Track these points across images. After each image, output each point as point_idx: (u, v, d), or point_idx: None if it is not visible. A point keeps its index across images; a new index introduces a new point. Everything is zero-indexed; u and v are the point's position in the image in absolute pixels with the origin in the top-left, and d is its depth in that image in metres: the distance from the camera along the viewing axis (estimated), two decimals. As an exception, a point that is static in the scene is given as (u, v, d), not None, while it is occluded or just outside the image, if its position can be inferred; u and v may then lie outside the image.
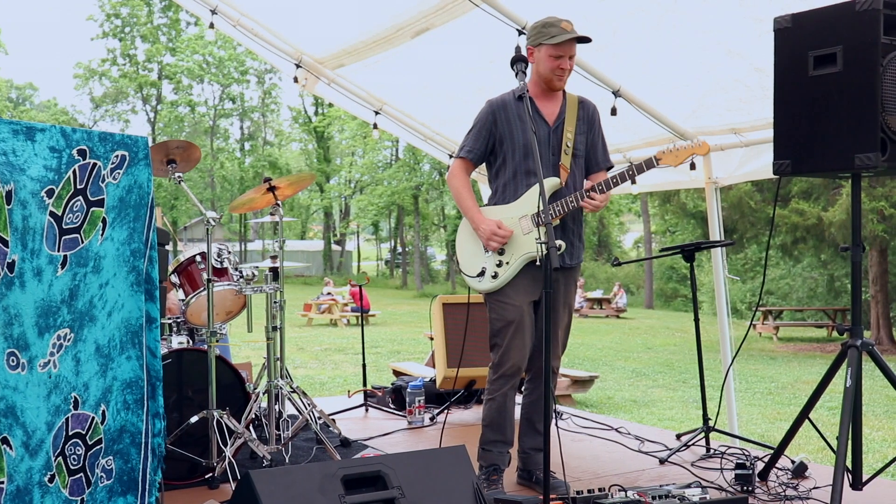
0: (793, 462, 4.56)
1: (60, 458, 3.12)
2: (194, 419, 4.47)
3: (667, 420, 10.04)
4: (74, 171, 3.08)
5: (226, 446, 4.41)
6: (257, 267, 5.12)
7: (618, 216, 46.59)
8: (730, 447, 5.14)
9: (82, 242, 3.14)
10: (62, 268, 3.07)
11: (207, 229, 4.63)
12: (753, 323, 20.46)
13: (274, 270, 4.95)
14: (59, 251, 3.06)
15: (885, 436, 9.42)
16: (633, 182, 4.23)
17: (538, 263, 3.97)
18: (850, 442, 3.63)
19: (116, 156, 3.23)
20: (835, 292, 24.80)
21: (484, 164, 4.44)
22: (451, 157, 7.34)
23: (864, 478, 3.73)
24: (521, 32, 4.94)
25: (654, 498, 3.72)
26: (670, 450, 5.09)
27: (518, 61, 3.82)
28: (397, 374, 8.30)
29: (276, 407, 4.87)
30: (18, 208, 2.90)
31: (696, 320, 5.30)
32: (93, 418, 3.26)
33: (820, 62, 3.61)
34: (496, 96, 4.33)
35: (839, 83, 3.54)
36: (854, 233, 3.80)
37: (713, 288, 6.60)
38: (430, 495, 3.40)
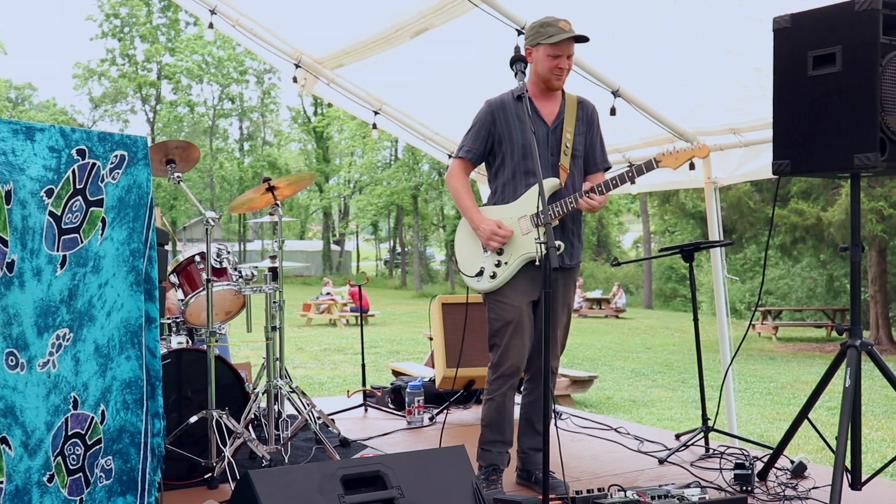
0: (792, 462, 4.56)
1: (60, 457, 3.12)
2: (193, 419, 4.47)
3: (666, 420, 10.04)
4: (74, 171, 3.08)
5: (225, 446, 4.41)
6: (256, 267, 5.12)
7: (617, 216, 46.61)
8: (729, 447, 5.14)
9: (81, 242, 3.14)
10: (61, 267, 3.07)
11: (206, 229, 4.63)
12: (752, 323, 20.45)
13: (273, 270, 4.95)
14: (58, 251, 3.06)
15: (884, 436, 9.43)
16: (633, 182, 4.24)
17: (537, 263, 3.97)
18: (849, 442, 3.63)
19: (116, 156, 3.23)
20: (834, 292, 24.81)
21: (483, 164, 4.45)
22: (450, 157, 7.34)
23: (864, 478, 3.73)
24: (520, 32, 4.94)
25: (653, 498, 3.71)
26: (669, 450, 5.08)
27: (517, 61, 3.83)
28: (396, 374, 8.30)
29: (276, 407, 4.87)
30: (18, 208, 2.90)
31: (696, 320, 5.30)
32: (92, 418, 3.26)
33: (819, 62, 3.62)
34: (495, 96, 4.33)
35: (838, 83, 3.54)
36: (853, 233, 3.80)
37: (712, 288, 6.60)
38: (430, 495, 3.40)
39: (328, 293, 24.64)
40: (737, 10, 4.64)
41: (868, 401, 10.75)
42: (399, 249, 50.45)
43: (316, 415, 5.18)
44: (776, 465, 4.43)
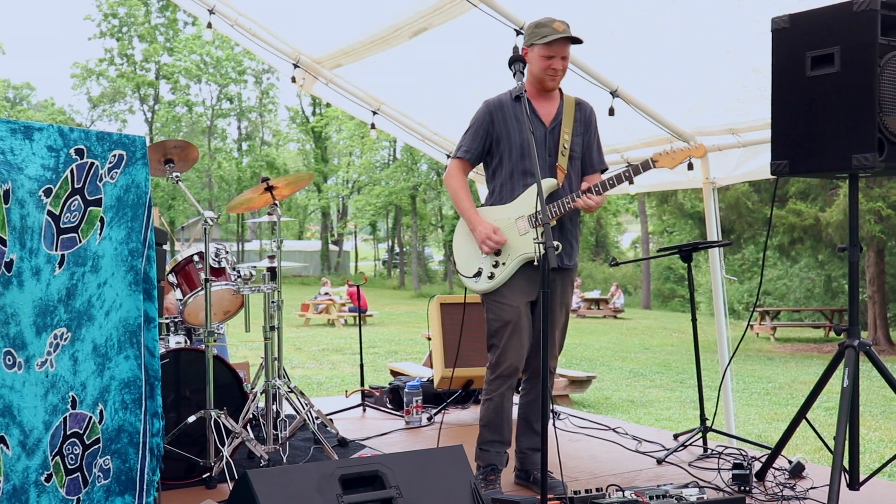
0: (790, 462, 4.56)
1: (58, 457, 3.12)
2: (192, 419, 4.47)
3: (664, 420, 10.05)
4: (72, 171, 3.08)
5: (223, 446, 4.41)
6: (255, 266, 5.12)
7: (615, 216, 46.61)
8: (727, 447, 5.14)
9: (80, 242, 3.14)
10: (60, 267, 3.07)
11: (205, 229, 4.63)
12: (751, 323, 20.47)
13: (272, 270, 4.94)
14: (56, 250, 3.05)
15: (881, 436, 9.43)
16: (631, 182, 4.24)
17: (536, 263, 3.97)
18: (847, 442, 3.63)
19: (114, 155, 3.23)
20: (832, 293, 24.82)
21: (481, 165, 4.45)
22: (448, 157, 7.34)
23: (861, 478, 3.74)
24: (518, 32, 4.94)
25: (651, 498, 3.72)
26: (668, 450, 5.09)
27: (516, 61, 3.83)
28: (395, 374, 8.30)
29: (274, 407, 4.87)
30: (16, 207, 2.90)
31: (694, 320, 5.31)
32: (90, 418, 3.26)
33: (817, 62, 3.62)
34: (493, 97, 4.33)
35: (837, 83, 3.54)
36: (851, 233, 3.81)
37: (711, 288, 6.61)
38: (428, 495, 3.41)
39: (326, 293, 24.64)
40: (735, 10, 4.64)
41: (866, 401, 10.76)
42: (397, 249, 50.44)
43: (314, 415, 5.19)
44: (774, 465, 4.43)
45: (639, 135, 6.13)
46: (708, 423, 5.15)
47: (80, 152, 3.10)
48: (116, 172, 3.25)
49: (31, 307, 2.98)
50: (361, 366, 6.92)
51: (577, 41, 4.13)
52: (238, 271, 4.97)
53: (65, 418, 3.15)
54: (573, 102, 4.35)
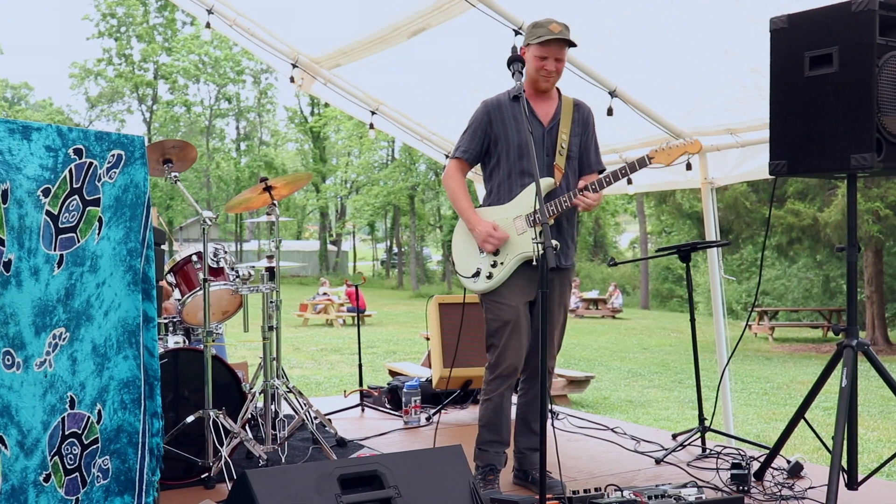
0: (788, 462, 4.56)
1: (56, 457, 3.12)
2: (190, 419, 4.47)
3: (663, 420, 10.05)
4: (71, 171, 3.08)
5: (222, 446, 4.41)
6: (253, 266, 5.12)
7: (614, 217, 46.62)
8: (726, 447, 5.14)
9: (79, 242, 3.14)
10: (58, 267, 3.07)
11: (203, 229, 4.63)
12: (749, 323, 20.49)
13: (270, 270, 4.94)
14: (55, 250, 3.05)
15: (880, 436, 9.44)
16: (630, 182, 4.25)
17: (534, 263, 3.97)
18: (845, 442, 3.63)
19: (113, 155, 3.23)
20: (830, 293, 24.83)
21: (479, 165, 4.45)
22: (447, 157, 7.34)
23: (860, 478, 3.74)
24: (517, 32, 4.94)
25: (650, 498, 3.72)
26: (666, 450, 5.09)
27: (515, 61, 3.83)
28: (393, 374, 8.30)
29: (273, 407, 4.86)
30: (14, 207, 2.90)
31: (692, 320, 5.31)
32: (89, 418, 3.26)
33: (816, 63, 3.62)
34: (491, 97, 4.34)
35: (835, 84, 3.55)
36: (850, 233, 3.81)
37: (709, 288, 6.61)
38: (427, 495, 3.41)
39: (325, 293, 24.64)
40: (734, 10, 4.64)
41: (864, 401, 10.76)
42: (396, 250, 50.43)
43: (313, 415, 5.18)
44: (773, 464, 4.43)
45: (637, 135, 6.13)
46: (706, 423, 5.15)
47: (78, 152, 3.10)
48: (115, 172, 3.25)
49: (30, 307, 2.98)
50: (360, 366, 6.92)
51: (572, 44, 4.14)
52: (236, 271, 4.97)
53: (63, 418, 3.15)
54: (571, 103, 4.36)
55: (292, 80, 6.62)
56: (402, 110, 7.15)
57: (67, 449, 3.17)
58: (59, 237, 3.07)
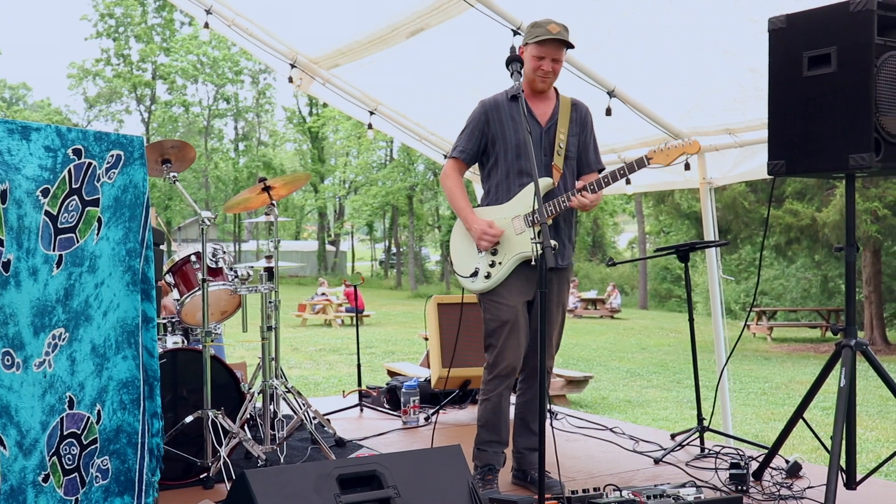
0: (787, 462, 4.57)
1: (55, 457, 3.12)
2: (189, 419, 4.47)
3: (661, 420, 10.05)
4: (70, 171, 3.08)
5: (221, 446, 4.41)
6: (252, 267, 5.11)
7: (612, 217, 46.63)
8: (724, 447, 5.14)
9: (77, 242, 3.14)
10: (57, 267, 3.07)
11: (202, 229, 4.63)
12: (747, 323, 20.50)
13: (269, 270, 4.94)
14: (54, 250, 3.05)
15: (878, 436, 9.45)
16: (628, 182, 4.25)
17: (533, 263, 3.97)
18: (844, 442, 3.64)
19: (112, 155, 3.23)
20: (828, 293, 24.84)
21: (477, 164, 4.45)
22: (445, 157, 7.34)
23: (858, 477, 3.74)
24: (516, 32, 4.95)
25: (648, 497, 3.72)
26: (665, 450, 5.09)
27: (513, 61, 3.83)
28: (392, 374, 8.30)
29: (271, 407, 4.86)
30: (13, 207, 2.90)
31: (691, 320, 5.31)
32: (88, 418, 3.26)
33: (814, 63, 3.62)
34: (489, 97, 4.34)
35: (833, 84, 3.55)
36: (848, 233, 3.81)
37: (707, 288, 6.61)
38: (426, 495, 3.41)
39: (323, 293, 24.62)
40: (732, 10, 4.65)
41: (862, 401, 10.77)
42: (394, 250, 50.43)
43: (311, 415, 5.18)
44: (771, 464, 4.43)
45: (636, 135, 6.13)
46: (705, 423, 5.15)
47: (77, 152, 3.10)
48: (114, 173, 3.25)
49: (29, 307, 2.98)
50: (359, 366, 6.92)
51: (569, 45, 4.14)
52: (235, 271, 4.97)
53: (62, 418, 3.15)
54: (569, 103, 4.36)
55: (291, 80, 6.62)
56: (401, 110, 7.15)
57: (66, 449, 3.17)
58: (58, 237, 3.07)
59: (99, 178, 3.19)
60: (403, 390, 6.12)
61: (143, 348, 3.42)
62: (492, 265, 4.22)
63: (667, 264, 35.24)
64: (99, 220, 3.22)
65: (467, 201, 4.33)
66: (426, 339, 6.90)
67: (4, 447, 2.92)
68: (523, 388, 4.44)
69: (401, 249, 48.05)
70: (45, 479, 3.07)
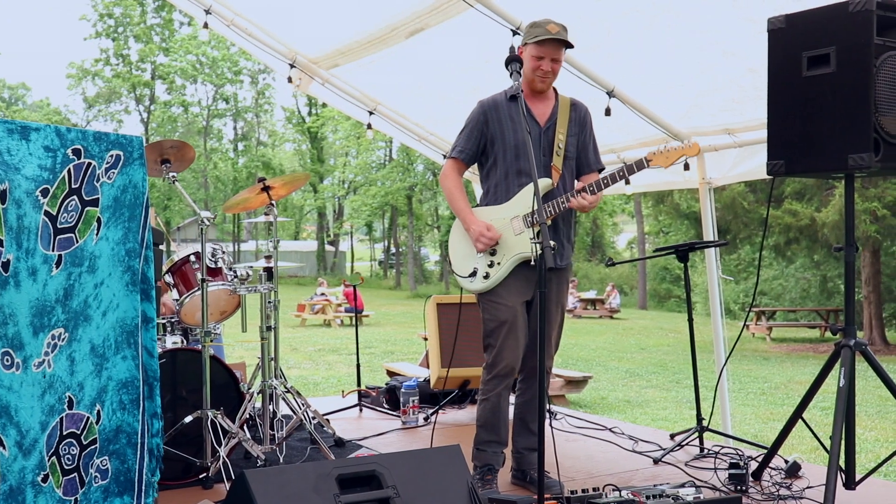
0: (786, 462, 4.57)
1: (54, 457, 3.12)
2: (188, 419, 4.47)
3: (660, 420, 10.05)
4: (69, 171, 3.08)
5: (220, 446, 4.41)
6: (251, 267, 5.11)
7: (611, 217, 46.62)
8: (723, 447, 5.14)
9: (77, 242, 3.14)
10: (57, 267, 3.07)
11: (201, 229, 4.63)
12: (747, 323, 20.48)
13: (268, 270, 4.94)
14: (53, 251, 3.05)
15: (877, 436, 9.45)
16: (627, 182, 4.25)
17: (533, 263, 3.98)
18: (843, 441, 3.64)
19: (111, 155, 3.23)
20: (827, 293, 24.85)
21: (476, 164, 4.45)
22: (444, 157, 7.34)
23: (857, 477, 3.74)
24: (515, 32, 4.95)
25: (648, 497, 3.72)
26: (664, 450, 5.09)
27: (513, 61, 3.83)
28: (391, 374, 8.30)
29: (271, 407, 4.86)
30: (13, 207, 2.90)
31: (690, 321, 5.31)
32: (87, 418, 3.26)
33: (813, 63, 3.62)
34: (487, 97, 4.34)
35: (832, 84, 3.55)
36: (847, 233, 3.81)
37: (706, 288, 6.61)
38: (425, 495, 3.41)
39: (323, 293, 24.62)
40: (731, 10, 4.65)
41: (861, 401, 10.77)
42: (393, 250, 50.43)
43: (311, 415, 5.18)
44: (770, 464, 4.44)
45: (635, 135, 6.14)
46: (704, 423, 5.16)
47: (77, 152, 3.10)
48: (114, 173, 3.25)
49: (28, 307, 2.98)
50: (358, 366, 6.92)
51: (568, 45, 4.14)
52: (234, 271, 4.97)
53: (61, 419, 3.15)
54: (568, 103, 4.36)
55: (290, 80, 6.62)
56: (400, 110, 7.15)
57: (65, 449, 3.17)
58: (58, 237, 3.07)
59: (98, 178, 3.19)
60: (403, 390, 6.12)
61: (143, 348, 3.42)
62: (490, 265, 4.22)
63: (666, 264, 35.25)
64: (98, 220, 3.22)
65: (466, 202, 4.33)
66: (425, 339, 6.90)
67: (4, 447, 2.92)
68: (522, 388, 4.44)
69: (400, 249, 48.05)
70: (45, 480, 3.07)
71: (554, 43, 4.11)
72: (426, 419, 6.14)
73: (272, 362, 4.91)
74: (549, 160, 4.23)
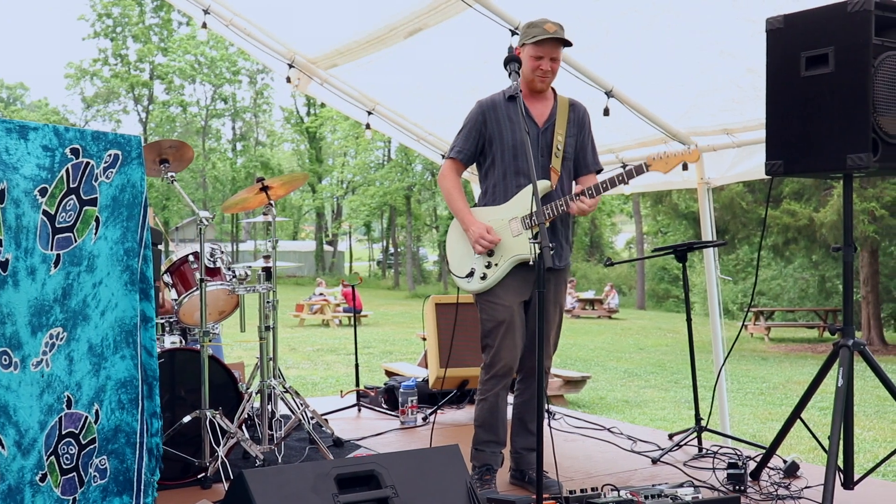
0: (784, 462, 4.57)
1: (53, 457, 3.12)
2: (187, 419, 4.46)
3: (659, 420, 10.06)
4: (67, 170, 3.08)
5: (218, 446, 4.41)
6: (250, 267, 5.11)
7: (610, 217, 46.64)
8: (722, 447, 5.15)
9: (75, 241, 3.14)
10: (55, 267, 3.07)
11: (200, 229, 4.62)
12: (745, 324, 20.48)
13: (267, 270, 4.94)
14: (52, 250, 3.05)
15: (875, 436, 9.46)
16: (626, 183, 4.25)
17: (531, 263, 3.98)
18: (841, 441, 3.64)
19: (110, 155, 3.23)
20: (826, 293, 24.86)
21: (475, 164, 4.45)
22: (443, 157, 7.34)
23: (856, 477, 3.74)
24: (513, 32, 4.95)
25: (646, 497, 3.72)
26: (662, 449, 5.09)
27: (511, 61, 3.83)
28: (389, 374, 8.30)
29: (269, 407, 4.86)
30: (11, 207, 2.90)
31: (689, 321, 5.31)
32: (86, 417, 3.25)
33: (812, 63, 3.62)
34: (486, 97, 4.34)
35: (831, 84, 3.55)
36: (846, 233, 3.81)
37: (705, 289, 6.62)
38: (424, 495, 3.40)
39: (321, 294, 24.62)
40: (730, 10, 4.65)
41: (860, 401, 10.78)
42: (392, 250, 50.43)
43: (309, 415, 5.18)
44: (769, 464, 4.44)
45: (634, 135, 6.14)
46: (703, 423, 5.16)
47: (75, 152, 3.09)
48: (112, 172, 3.25)
49: (27, 307, 2.98)
50: (356, 366, 6.92)
51: (567, 43, 4.14)
52: (233, 271, 4.97)
53: (60, 418, 3.15)
54: (567, 103, 4.36)
55: (289, 80, 6.61)
56: (399, 110, 7.15)
57: (64, 449, 3.17)
58: (56, 237, 3.07)
59: (97, 178, 3.19)
60: (401, 390, 6.12)
61: (142, 348, 3.42)
62: (488, 266, 4.22)
63: (664, 264, 35.27)
64: (97, 220, 3.22)
65: (465, 202, 4.32)
66: (424, 339, 6.90)
67: (3, 447, 2.92)
68: (521, 388, 4.44)
69: (398, 249, 48.06)
70: (43, 479, 3.07)
71: (552, 42, 4.11)
72: (425, 419, 6.14)
73: (271, 362, 4.91)
74: (548, 161, 4.23)
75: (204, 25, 6.18)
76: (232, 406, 4.76)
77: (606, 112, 5.45)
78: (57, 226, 3.06)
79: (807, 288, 25.92)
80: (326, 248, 54.11)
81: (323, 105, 39.23)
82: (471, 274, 4.26)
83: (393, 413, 6.40)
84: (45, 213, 3.02)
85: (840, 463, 3.66)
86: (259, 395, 4.83)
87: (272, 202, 5.06)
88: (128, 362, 3.39)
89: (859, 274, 19.35)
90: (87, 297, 3.20)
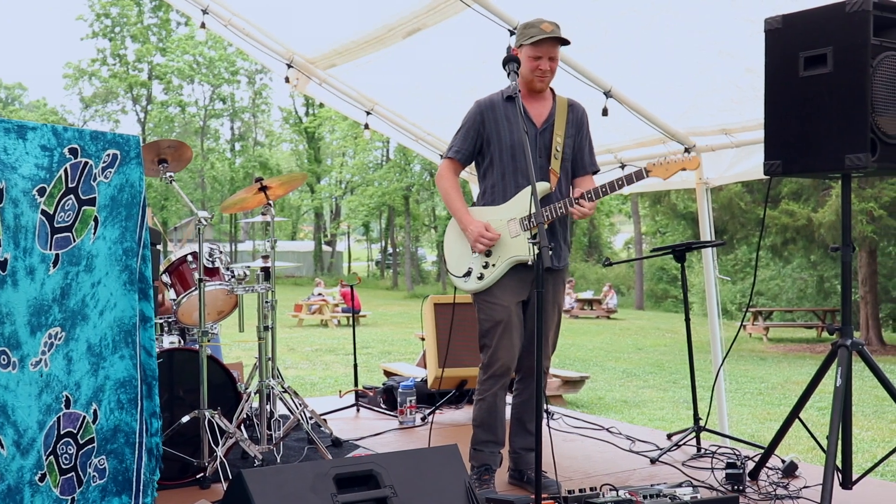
0: (783, 461, 4.57)
1: (52, 457, 3.12)
2: (185, 419, 4.46)
3: (657, 420, 10.06)
4: (66, 170, 3.08)
5: (217, 446, 4.40)
6: (249, 267, 5.11)
7: (608, 217, 46.63)
8: (720, 447, 5.15)
9: (74, 241, 3.14)
10: (54, 266, 3.06)
11: (199, 229, 4.62)
12: (744, 324, 20.49)
13: (265, 270, 4.94)
14: (50, 250, 3.05)
15: (874, 435, 9.46)
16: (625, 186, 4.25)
17: (530, 263, 3.98)
18: (839, 441, 3.64)
19: (108, 154, 3.23)
20: (824, 293, 24.88)
21: (473, 164, 4.45)
22: (442, 157, 7.34)
23: (854, 477, 3.75)
24: (512, 32, 4.94)
25: (645, 497, 3.72)
26: (661, 449, 5.10)
27: (510, 61, 3.84)
28: (388, 374, 8.30)
29: (268, 407, 4.86)
30: (10, 207, 2.90)
31: (687, 321, 5.32)
32: (84, 417, 3.25)
33: (810, 63, 3.63)
34: (484, 97, 4.34)
35: (829, 84, 3.55)
36: (844, 233, 3.82)
37: (703, 289, 6.62)
38: (423, 494, 3.41)
39: (320, 294, 24.62)
40: (729, 10, 4.65)
41: (858, 401, 10.78)
42: (390, 250, 50.41)
43: (308, 415, 5.18)
44: (767, 464, 4.44)
45: (632, 135, 6.14)
46: (701, 423, 5.16)
47: (73, 151, 3.09)
48: (110, 172, 3.25)
49: (26, 307, 2.97)
50: (355, 366, 6.92)
51: (565, 42, 4.14)
52: (232, 271, 4.97)
53: (59, 418, 3.15)
54: (566, 103, 4.36)
55: (287, 80, 6.61)
56: (397, 110, 7.15)
57: (63, 448, 3.17)
58: (55, 237, 3.06)
59: (95, 178, 3.19)
60: (400, 390, 6.12)
61: (141, 347, 3.42)
62: (485, 266, 4.22)
63: (663, 265, 35.27)
64: (95, 220, 3.22)
65: (463, 202, 4.33)
66: (422, 339, 6.90)
67: (2, 447, 2.92)
68: (520, 388, 4.45)
69: (397, 250, 48.05)
70: (42, 479, 3.07)
71: (550, 41, 4.11)
72: (423, 419, 6.14)
73: (269, 362, 4.91)
74: (546, 163, 4.23)
75: (202, 25, 6.18)
76: (231, 406, 4.76)
77: (605, 112, 5.45)
78: (55, 225, 3.06)
79: (805, 288, 25.94)
80: (325, 248, 54.09)
81: (321, 105, 39.24)
82: (468, 273, 4.26)
83: (391, 413, 6.41)
84: (43, 212, 3.02)
85: (838, 463, 3.67)
86: (258, 395, 4.83)
87: (271, 202, 5.06)
88: (127, 362, 3.39)
89: (858, 274, 19.36)
90: (85, 297, 3.20)
